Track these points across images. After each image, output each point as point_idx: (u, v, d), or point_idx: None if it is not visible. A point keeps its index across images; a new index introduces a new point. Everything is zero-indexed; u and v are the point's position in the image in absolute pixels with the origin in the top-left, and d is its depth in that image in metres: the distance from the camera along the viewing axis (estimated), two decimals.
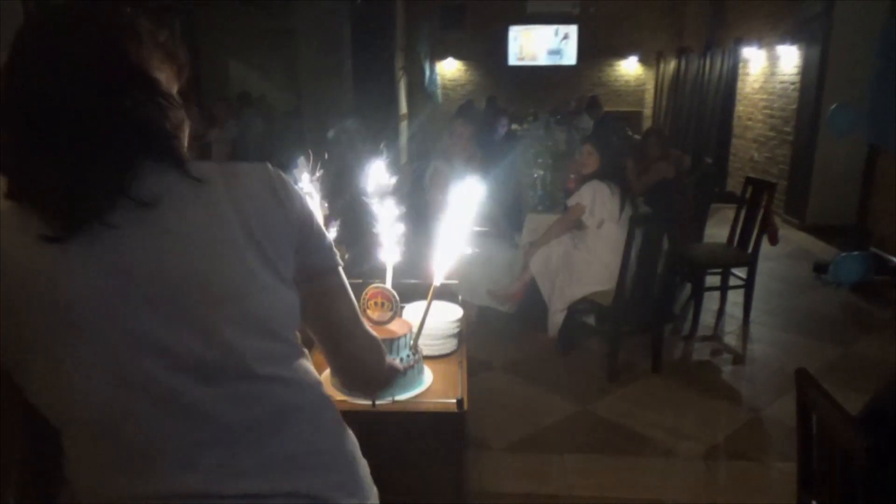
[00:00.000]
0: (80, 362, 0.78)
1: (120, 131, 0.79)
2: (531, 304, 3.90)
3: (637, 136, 7.10)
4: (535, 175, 4.34)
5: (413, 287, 2.03)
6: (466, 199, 1.66)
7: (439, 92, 12.10)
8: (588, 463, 2.75)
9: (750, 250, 4.18)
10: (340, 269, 1.02)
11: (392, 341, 1.67)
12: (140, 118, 0.81)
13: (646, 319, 3.59)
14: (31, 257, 0.77)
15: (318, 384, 0.98)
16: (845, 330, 4.26)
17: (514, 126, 7.76)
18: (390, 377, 1.16)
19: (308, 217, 0.93)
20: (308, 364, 0.98)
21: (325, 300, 1.00)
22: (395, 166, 5.39)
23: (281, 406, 0.90)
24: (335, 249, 1.01)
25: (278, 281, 0.88)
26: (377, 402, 1.65)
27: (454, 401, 1.64)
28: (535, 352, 3.77)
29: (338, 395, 1.66)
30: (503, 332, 4.01)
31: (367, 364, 1.10)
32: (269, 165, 0.91)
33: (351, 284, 1.05)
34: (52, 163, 0.77)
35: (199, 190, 0.83)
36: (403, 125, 10.43)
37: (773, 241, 4.38)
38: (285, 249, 0.89)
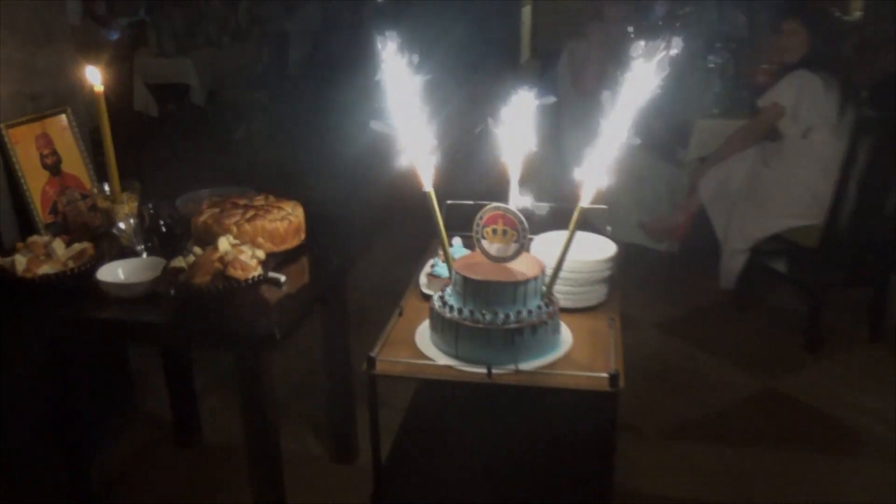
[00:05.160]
0: None
1: None
2: (699, 242, 3.69)
3: (849, 18, 6.34)
4: (710, 65, 3.91)
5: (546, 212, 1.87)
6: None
7: None
8: (776, 461, 2.54)
9: None
10: None
11: (516, 286, 1.51)
12: None
13: (864, 269, 3.25)
14: None
15: None
16: None
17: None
18: None
19: None
20: None
21: None
22: (514, 64, 5.18)
23: None
24: None
25: None
26: (493, 371, 1.49)
27: (605, 375, 1.46)
28: (703, 307, 3.56)
29: (441, 360, 1.49)
30: (658, 280, 3.79)
31: None
32: None
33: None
34: None
35: None
36: (526, 11, 9.95)
37: None
38: None
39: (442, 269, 1.81)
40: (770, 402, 2.84)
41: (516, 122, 1.56)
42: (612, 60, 3.72)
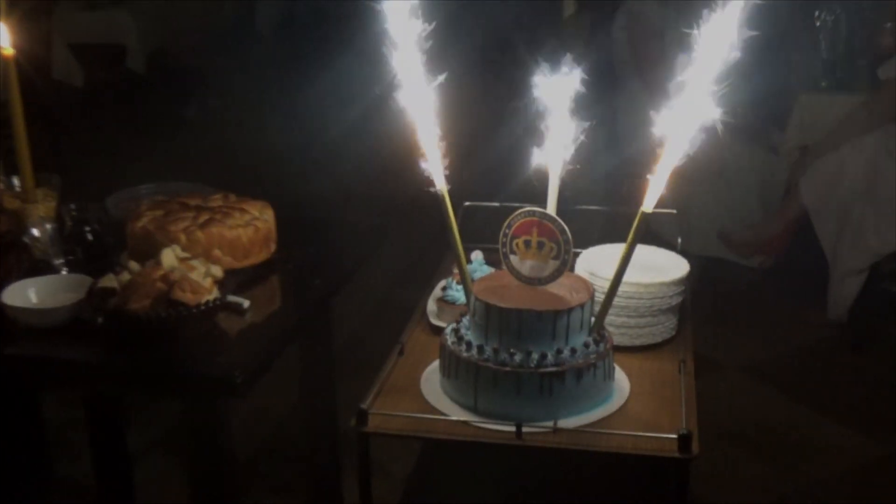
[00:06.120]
0: None
1: None
2: (800, 258, 3.76)
3: None
4: (818, 23, 3.92)
5: (591, 217, 1.93)
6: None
7: None
8: None
9: None
10: None
11: (556, 317, 1.51)
12: None
13: None
14: None
15: None
16: None
17: None
18: None
19: None
20: None
21: None
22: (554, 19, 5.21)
23: None
24: None
25: None
26: (524, 430, 1.49)
27: (673, 436, 1.46)
28: (805, 344, 3.58)
29: (454, 414, 1.52)
30: (746, 308, 3.83)
31: None
32: None
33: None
34: None
35: None
36: None
37: None
38: None
39: (457, 294, 1.82)
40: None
41: (557, 103, 1.57)
42: (685, 22, 3.74)
